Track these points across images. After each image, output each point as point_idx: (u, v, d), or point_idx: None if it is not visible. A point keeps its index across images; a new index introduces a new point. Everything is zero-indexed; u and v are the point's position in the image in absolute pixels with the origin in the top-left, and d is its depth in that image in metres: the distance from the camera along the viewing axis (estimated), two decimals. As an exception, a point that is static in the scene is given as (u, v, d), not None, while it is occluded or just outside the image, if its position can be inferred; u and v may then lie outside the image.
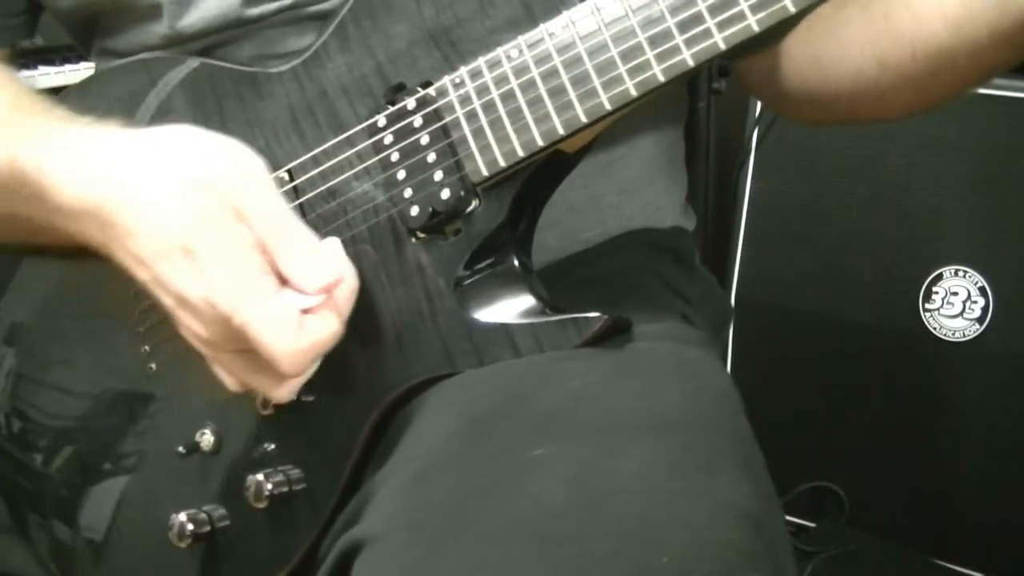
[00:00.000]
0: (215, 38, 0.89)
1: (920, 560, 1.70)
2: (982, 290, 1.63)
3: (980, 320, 1.63)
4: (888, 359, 1.73)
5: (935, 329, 1.67)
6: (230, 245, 0.66)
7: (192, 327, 0.70)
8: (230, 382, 0.73)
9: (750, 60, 0.94)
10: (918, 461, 1.71)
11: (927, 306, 1.68)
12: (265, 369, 0.69)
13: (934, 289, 1.67)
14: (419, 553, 0.59)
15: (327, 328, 0.68)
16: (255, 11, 0.87)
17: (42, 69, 1.96)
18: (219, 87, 0.84)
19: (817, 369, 1.81)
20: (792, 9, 0.65)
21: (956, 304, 1.65)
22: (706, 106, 1.95)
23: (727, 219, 1.89)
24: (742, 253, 1.87)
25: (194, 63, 0.87)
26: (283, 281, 0.68)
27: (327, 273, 0.68)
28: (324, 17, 0.85)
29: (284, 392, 0.70)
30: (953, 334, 1.66)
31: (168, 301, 0.70)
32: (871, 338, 1.74)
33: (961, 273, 1.65)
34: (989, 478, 1.64)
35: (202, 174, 0.68)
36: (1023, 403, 1.60)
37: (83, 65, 1.99)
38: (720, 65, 1.45)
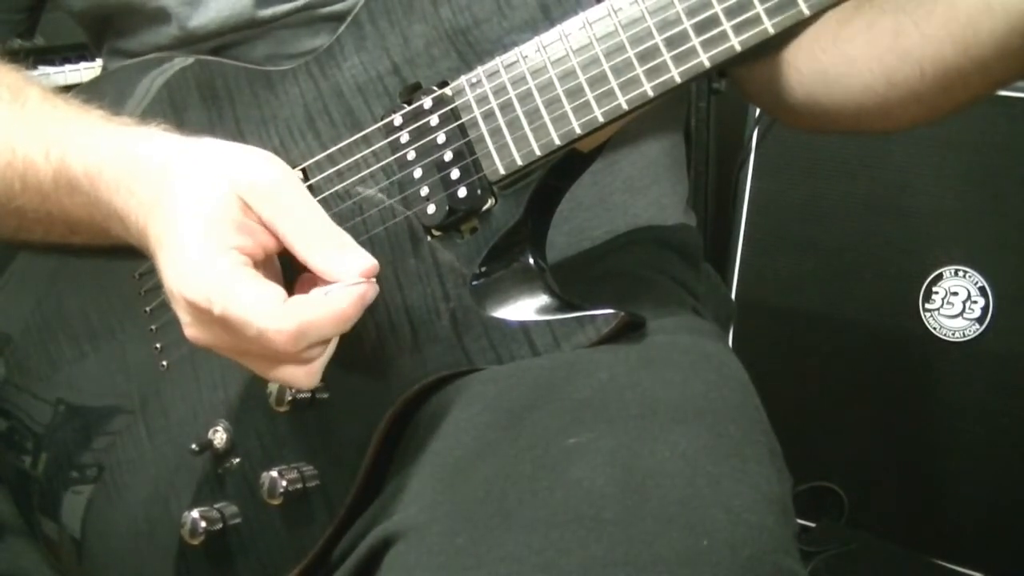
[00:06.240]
0: (228, 38, 0.90)
1: (920, 560, 1.71)
2: (982, 290, 1.63)
3: (980, 320, 1.64)
4: (888, 359, 1.73)
5: (935, 329, 1.68)
6: (210, 245, 0.68)
7: (186, 328, 0.71)
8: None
9: (750, 68, 0.95)
10: (918, 461, 1.72)
11: (927, 306, 1.68)
12: (282, 360, 0.69)
13: (934, 289, 1.68)
14: (462, 542, 0.59)
15: (317, 307, 0.67)
16: (267, 12, 0.88)
17: (42, 69, 1.96)
18: (232, 85, 0.85)
19: (817, 369, 1.81)
20: (807, 12, 0.65)
21: (956, 304, 1.65)
22: (706, 106, 1.96)
23: (727, 219, 1.90)
24: (742, 253, 1.87)
25: (188, 60, 0.87)
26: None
27: (355, 264, 0.69)
28: (338, 18, 0.85)
29: (305, 375, 0.70)
30: (953, 334, 1.66)
31: (171, 303, 0.72)
32: (871, 338, 1.74)
33: (961, 273, 1.65)
34: (989, 478, 1.64)
35: (225, 176, 0.70)
36: (1023, 403, 1.60)
37: (83, 65, 1.99)
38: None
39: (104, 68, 1.04)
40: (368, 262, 0.69)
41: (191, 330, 0.71)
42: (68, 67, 1.98)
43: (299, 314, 0.66)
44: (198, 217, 0.69)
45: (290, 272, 0.73)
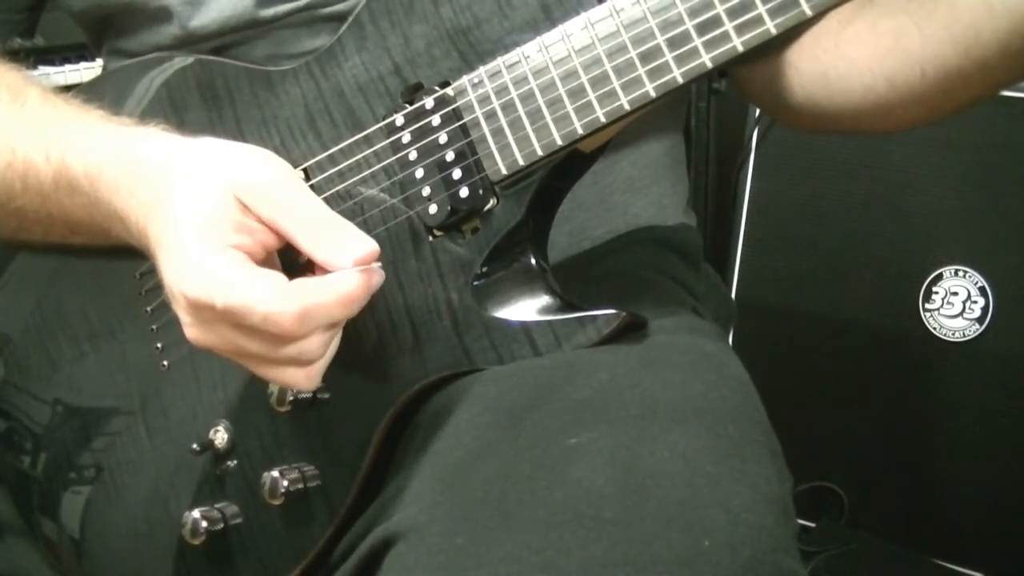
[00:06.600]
0: (228, 38, 0.90)
1: (920, 560, 1.71)
2: (982, 290, 1.63)
3: (980, 320, 1.64)
4: (888, 359, 1.73)
5: (935, 329, 1.68)
6: (210, 245, 0.68)
7: (187, 329, 0.71)
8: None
9: (751, 68, 0.95)
10: (918, 461, 1.72)
11: (927, 306, 1.68)
12: (284, 360, 0.69)
13: (934, 289, 1.68)
14: (461, 542, 0.59)
15: (321, 289, 0.67)
16: (269, 12, 0.88)
17: (42, 69, 1.96)
18: (232, 85, 0.85)
19: (817, 369, 1.81)
20: (809, 13, 0.65)
21: (956, 304, 1.65)
22: (706, 106, 1.95)
23: (727, 219, 1.90)
24: (742, 253, 1.87)
25: (188, 60, 0.87)
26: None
27: (355, 249, 0.68)
28: (339, 18, 0.85)
29: (305, 378, 0.70)
30: (953, 334, 1.66)
31: (171, 304, 0.72)
32: (871, 338, 1.74)
33: (961, 273, 1.65)
34: (989, 478, 1.64)
35: (225, 176, 0.70)
36: (1023, 403, 1.60)
37: (83, 65, 1.99)
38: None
39: (104, 68, 1.04)
40: (369, 247, 0.68)
41: (192, 331, 0.71)
42: (68, 67, 1.98)
43: (304, 294, 0.66)
44: (198, 217, 0.69)
45: (291, 272, 0.73)
